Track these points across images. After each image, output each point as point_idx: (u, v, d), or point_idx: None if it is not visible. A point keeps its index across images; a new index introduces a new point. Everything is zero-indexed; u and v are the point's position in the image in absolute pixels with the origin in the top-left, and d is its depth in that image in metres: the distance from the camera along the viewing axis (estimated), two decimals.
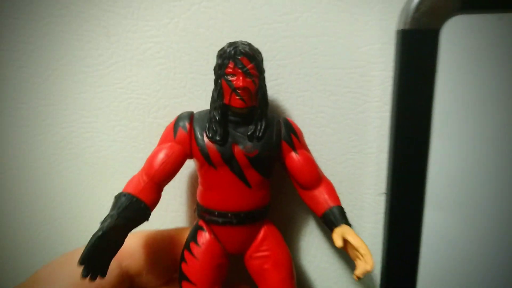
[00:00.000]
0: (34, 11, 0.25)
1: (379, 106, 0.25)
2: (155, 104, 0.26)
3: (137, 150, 0.27)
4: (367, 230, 0.27)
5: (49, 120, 0.26)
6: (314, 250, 0.28)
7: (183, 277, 0.23)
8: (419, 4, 0.21)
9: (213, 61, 0.22)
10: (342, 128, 0.26)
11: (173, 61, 0.25)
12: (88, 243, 0.18)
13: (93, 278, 0.18)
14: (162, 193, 0.22)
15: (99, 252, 0.19)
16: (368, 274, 0.28)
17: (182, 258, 0.23)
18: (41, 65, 0.26)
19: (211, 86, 0.22)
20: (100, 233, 0.19)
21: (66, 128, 0.27)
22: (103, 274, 0.19)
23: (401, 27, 0.22)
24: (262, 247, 0.23)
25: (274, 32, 0.24)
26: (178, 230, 0.25)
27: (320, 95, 0.25)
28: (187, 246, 0.23)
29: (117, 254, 0.21)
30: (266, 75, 0.22)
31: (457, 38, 0.22)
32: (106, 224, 0.19)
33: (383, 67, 0.24)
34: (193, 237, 0.23)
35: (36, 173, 0.27)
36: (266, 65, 0.22)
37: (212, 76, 0.22)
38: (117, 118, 0.26)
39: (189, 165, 0.26)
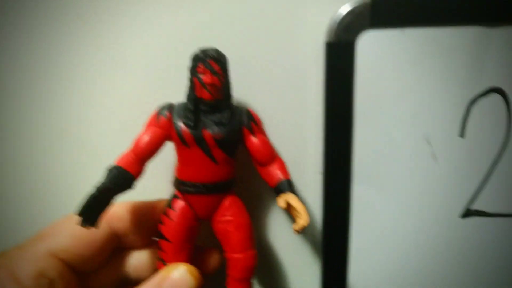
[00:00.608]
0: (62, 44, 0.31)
1: (315, 102, 0.31)
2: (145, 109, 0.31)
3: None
4: (309, 203, 0.33)
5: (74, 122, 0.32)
6: (275, 223, 0.33)
7: (161, 236, 0.28)
8: (339, 22, 0.27)
9: (181, 71, 0.28)
10: (287, 120, 0.31)
11: (154, 73, 0.31)
12: (84, 199, 0.24)
13: (88, 227, 0.24)
14: (147, 171, 0.28)
15: (92, 207, 0.24)
16: (312, 240, 0.34)
17: (161, 222, 0.28)
18: (67, 85, 0.32)
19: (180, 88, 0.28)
20: (93, 192, 0.24)
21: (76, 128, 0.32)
22: (95, 226, 0.24)
23: (327, 41, 0.28)
24: (227, 213, 0.29)
25: (229, 53, 0.29)
26: (158, 201, 0.30)
27: (269, 92, 0.31)
28: (164, 212, 0.28)
29: (108, 218, 0.27)
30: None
31: (371, 48, 0.28)
32: (99, 186, 0.24)
33: (317, 71, 0.30)
34: (170, 204, 0.28)
35: (57, 163, 0.33)
36: None
37: (181, 81, 0.28)
38: (117, 118, 0.32)
39: (168, 151, 0.31)
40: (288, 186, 0.28)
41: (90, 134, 0.32)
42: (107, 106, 0.32)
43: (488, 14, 0.27)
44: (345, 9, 0.27)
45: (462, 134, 0.30)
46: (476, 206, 0.31)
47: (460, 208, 0.31)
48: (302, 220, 0.26)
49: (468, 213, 0.31)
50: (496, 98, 0.29)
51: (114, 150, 0.28)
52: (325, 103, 0.29)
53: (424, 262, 0.32)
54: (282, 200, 0.27)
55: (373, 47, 0.28)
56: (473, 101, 0.29)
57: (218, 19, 0.30)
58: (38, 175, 0.33)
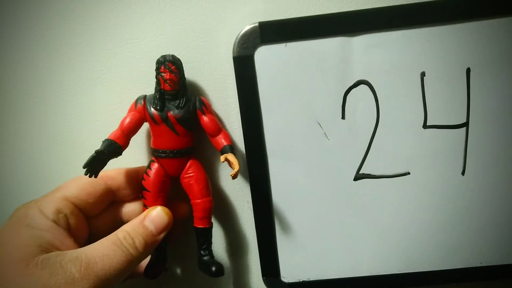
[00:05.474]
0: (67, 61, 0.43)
1: (235, 100, 0.41)
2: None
3: None
4: (240, 171, 0.42)
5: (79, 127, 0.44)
6: (222, 177, 0.44)
7: (143, 188, 0.39)
8: (239, 41, 0.37)
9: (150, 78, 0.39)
10: (220, 114, 0.42)
11: (133, 83, 0.42)
12: (88, 158, 0.35)
13: (90, 176, 0.35)
14: (134, 147, 0.39)
15: (93, 163, 0.35)
16: (243, 197, 0.44)
17: (143, 178, 0.40)
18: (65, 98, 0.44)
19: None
20: (94, 154, 0.35)
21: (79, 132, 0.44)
22: (96, 176, 0.35)
23: (233, 55, 0.38)
24: (189, 171, 0.40)
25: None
26: (140, 167, 0.41)
27: (204, 92, 0.42)
28: (145, 171, 0.40)
29: (104, 178, 0.38)
30: None
31: (266, 58, 0.38)
32: (97, 150, 0.36)
33: (233, 78, 0.40)
34: (149, 166, 0.40)
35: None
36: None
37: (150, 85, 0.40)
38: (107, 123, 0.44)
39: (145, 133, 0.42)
40: (229, 148, 0.39)
41: (81, 136, 0.44)
42: (97, 112, 0.44)
43: (346, 27, 0.37)
44: (242, 31, 0.37)
45: (343, 116, 0.39)
46: (363, 171, 0.40)
47: (352, 173, 0.40)
48: (235, 169, 0.37)
49: (358, 176, 0.40)
50: (364, 88, 0.38)
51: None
52: (240, 101, 0.40)
53: (328, 215, 0.42)
54: (223, 157, 0.38)
55: (267, 57, 0.38)
56: (347, 92, 0.38)
57: (172, 43, 0.41)
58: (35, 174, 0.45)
